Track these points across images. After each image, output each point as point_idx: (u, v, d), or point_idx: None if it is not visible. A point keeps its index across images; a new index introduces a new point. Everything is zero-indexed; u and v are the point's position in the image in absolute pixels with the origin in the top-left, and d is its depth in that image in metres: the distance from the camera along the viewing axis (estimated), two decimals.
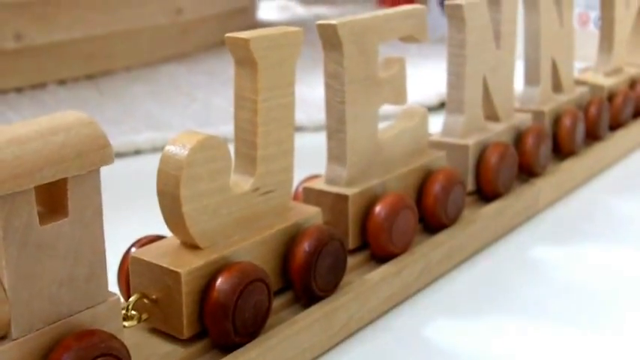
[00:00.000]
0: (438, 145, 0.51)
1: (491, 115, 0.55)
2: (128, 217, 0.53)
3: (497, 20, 0.54)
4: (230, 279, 0.32)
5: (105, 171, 0.28)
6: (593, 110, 0.64)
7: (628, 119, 0.71)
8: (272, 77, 0.36)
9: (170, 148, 0.32)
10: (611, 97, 0.69)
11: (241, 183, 0.35)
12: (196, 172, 0.32)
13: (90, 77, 0.99)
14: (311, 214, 0.39)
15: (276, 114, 0.36)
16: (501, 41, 0.54)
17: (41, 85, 0.95)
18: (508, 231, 0.52)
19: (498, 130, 0.54)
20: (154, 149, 0.72)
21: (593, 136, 0.64)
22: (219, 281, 0.32)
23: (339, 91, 0.42)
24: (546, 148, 0.56)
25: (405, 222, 0.42)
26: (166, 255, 0.33)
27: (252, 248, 0.35)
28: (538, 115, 0.59)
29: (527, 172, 0.55)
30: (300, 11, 1.60)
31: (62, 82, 0.96)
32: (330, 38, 0.41)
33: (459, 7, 0.50)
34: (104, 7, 0.98)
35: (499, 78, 0.54)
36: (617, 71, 0.72)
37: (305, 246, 0.36)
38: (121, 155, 0.71)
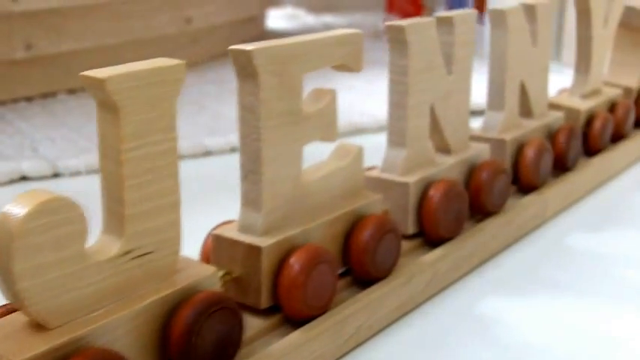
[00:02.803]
0: (376, 182, 0.46)
1: (442, 147, 0.50)
2: None
3: (449, 43, 0.48)
4: None
5: None
6: (561, 138, 0.58)
7: (607, 145, 0.65)
8: (142, 122, 0.30)
9: (6, 212, 0.27)
10: (589, 121, 0.64)
11: (106, 247, 0.30)
12: (35, 241, 0.27)
13: None
14: (204, 276, 0.33)
15: (150, 164, 0.31)
16: (454, 66, 0.49)
17: (51, 94, 0.95)
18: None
19: (447, 165, 0.48)
20: None
21: (561, 166, 0.59)
22: None
23: (254, 127, 0.36)
24: (503, 184, 0.50)
25: (320, 280, 0.37)
26: (6, 338, 0.28)
27: (120, 325, 0.30)
28: (498, 144, 0.54)
29: (481, 211, 0.50)
30: (309, 20, 1.59)
31: (72, 92, 0.96)
32: (244, 66, 0.36)
33: (399, 29, 0.44)
34: (114, 17, 0.98)
35: (450, 107, 0.49)
36: (595, 93, 0.67)
37: (184, 317, 0.31)
38: None
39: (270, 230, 0.37)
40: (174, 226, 0.33)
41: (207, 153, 0.73)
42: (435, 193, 0.45)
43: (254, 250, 0.36)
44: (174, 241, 0.33)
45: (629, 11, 0.70)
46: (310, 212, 0.39)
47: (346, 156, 0.42)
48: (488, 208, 0.50)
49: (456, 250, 0.46)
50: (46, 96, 0.94)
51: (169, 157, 0.32)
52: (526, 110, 0.58)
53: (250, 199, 0.37)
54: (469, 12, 0.50)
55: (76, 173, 0.68)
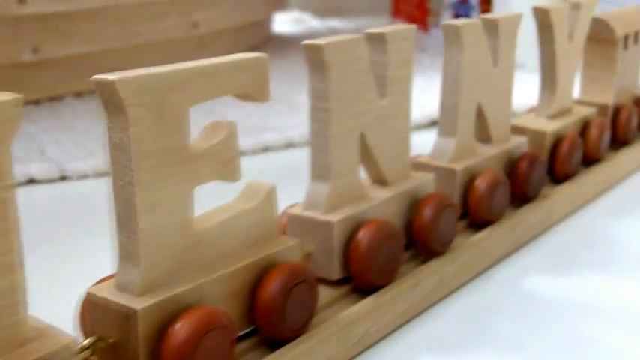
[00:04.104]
0: (298, 222, 0.41)
1: (378, 179, 0.45)
2: None
3: (382, 63, 0.43)
4: None
5: None
6: (522, 166, 0.53)
7: (576, 170, 0.60)
8: None
9: None
10: (556, 144, 0.58)
11: None
12: None
13: None
14: (55, 348, 0.28)
15: None
16: (388, 89, 0.43)
17: (59, 98, 0.96)
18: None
19: (382, 200, 0.43)
20: None
21: (521, 197, 0.53)
22: None
23: (126, 169, 0.31)
24: (449, 220, 0.45)
25: (211, 348, 0.32)
26: None
27: None
28: (447, 174, 0.49)
29: (425, 251, 0.45)
30: (315, 24, 1.61)
31: (79, 95, 0.98)
32: (110, 99, 0.31)
33: (317, 48, 0.39)
34: (121, 21, 0.99)
35: (385, 134, 0.43)
36: (563, 113, 0.61)
37: None
38: None
39: (151, 288, 0.32)
40: (14, 292, 0.27)
41: None
42: (364, 235, 0.40)
43: (129, 313, 0.31)
44: (14, 309, 0.27)
45: (596, 23, 0.64)
46: (205, 265, 0.34)
47: (254, 197, 0.37)
48: (432, 247, 0.44)
49: (462, 254, 0.46)
50: (53, 99, 0.95)
51: (5, 210, 0.26)
52: (485, 136, 0.53)
53: (127, 253, 0.32)
54: (407, 28, 0.44)
55: (83, 176, 0.69)
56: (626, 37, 0.67)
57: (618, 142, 0.67)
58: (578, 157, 0.59)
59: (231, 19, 1.18)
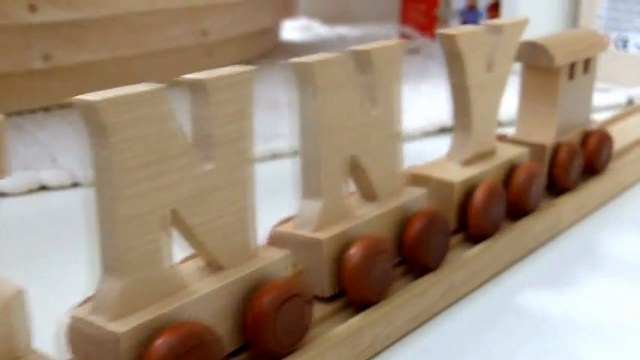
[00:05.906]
0: (77, 331, 0.32)
1: (211, 263, 0.35)
2: None
3: (204, 118, 0.34)
4: None
5: None
6: (412, 228, 0.43)
7: (497, 226, 0.50)
8: None
9: None
10: (470, 195, 0.49)
11: None
12: None
13: None
14: None
15: None
16: (214, 151, 0.34)
17: (69, 105, 0.92)
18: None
19: (203, 294, 0.33)
20: None
21: (415, 266, 0.44)
22: None
23: None
24: (294, 311, 0.35)
25: None
26: None
27: None
28: (312, 246, 0.39)
29: (265, 352, 0.35)
30: (323, 31, 1.60)
31: None
32: None
33: (93, 107, 0.29)
34: (131, 29, 0.99)
35: (211, 210, 0.34)
36: (483, 156, 0.52)
37: None
38: None
39: None
40: None
41: None
42: (161, 344, 0.31)
43: None
44: None
45: (530, 48, 0.55)
46: None
47: None
48: (271, 348, 0.35)
49: (470, 262, 0.46)
50: (63, 106, 0.94)
51: None
52: (368, 192, 0.43)
53: None
54: (239, 71, 0.35)
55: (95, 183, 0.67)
56: (572, 66, 0.58)
57: (557, 188, 0.57)
58: (499, 209, 0.50)
59: (240, 26, 1.18)
